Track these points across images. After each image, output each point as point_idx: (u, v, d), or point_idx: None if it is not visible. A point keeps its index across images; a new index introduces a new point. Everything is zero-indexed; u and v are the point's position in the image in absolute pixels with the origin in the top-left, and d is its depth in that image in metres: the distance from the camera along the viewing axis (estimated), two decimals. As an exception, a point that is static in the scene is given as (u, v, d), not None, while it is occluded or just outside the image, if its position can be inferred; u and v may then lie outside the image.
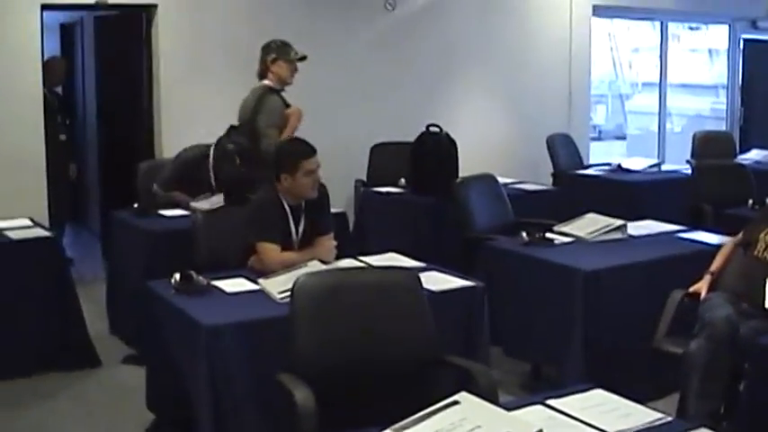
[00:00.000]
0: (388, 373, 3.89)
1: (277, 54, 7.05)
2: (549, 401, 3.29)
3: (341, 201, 8.17)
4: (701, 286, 5.10)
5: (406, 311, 3.99)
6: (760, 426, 4.17)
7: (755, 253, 5.05)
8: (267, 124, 6.83)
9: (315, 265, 4.93)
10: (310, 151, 5.25)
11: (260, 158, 6.39)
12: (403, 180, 8.13)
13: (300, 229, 5.31)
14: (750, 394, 4.25)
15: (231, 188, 6.09)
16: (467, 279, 5.01)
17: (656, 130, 13.41)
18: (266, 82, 7.03)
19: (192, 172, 6.72)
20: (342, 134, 9.06)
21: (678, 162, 10.52)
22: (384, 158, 8.87)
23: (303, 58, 7.13)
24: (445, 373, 3.94)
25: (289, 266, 4.90)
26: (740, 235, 5.36)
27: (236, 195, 5.87)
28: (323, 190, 5.40)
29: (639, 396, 3.42)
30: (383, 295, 4.01)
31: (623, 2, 11.92)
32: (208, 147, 6.73)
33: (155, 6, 8.58)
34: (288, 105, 7.00)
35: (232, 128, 6.81)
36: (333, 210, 5.74)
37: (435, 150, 7.79)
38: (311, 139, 5.37)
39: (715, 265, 5.23)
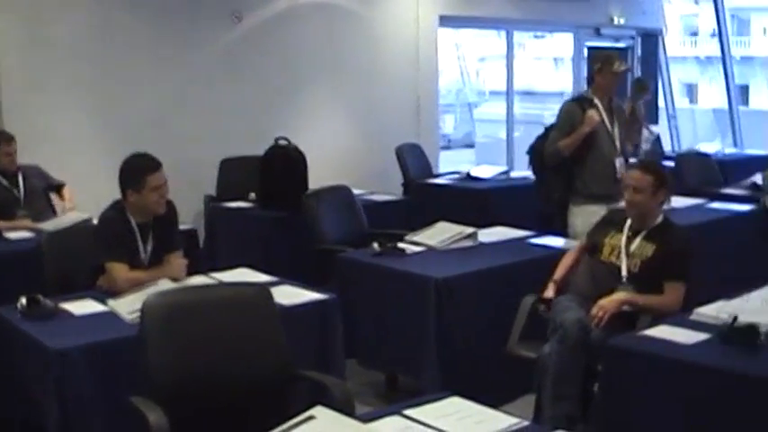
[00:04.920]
0: (242, 391, 3.84)
1: None
2: (406, 411, 3.29)
3: (190, 217, 8.06)
4: (547, 293, 5.19)
5: (257, 327, 3.95)
6: (615, 426, 4.23)
7: (602, 257, 5.15)
8: None
9: (165, 284, 4.83)
10: (155, 166, 5.13)
11: None
12: (253, 194, 8.05)
13: (149, 248, 5.19)
14: (603, 395, 4.30)
15: None
16: (319, 292, 4.97)
17: (505, 137, 13.58)
18: None
19: None
20: (190, 149, 8.92)
21: (526, 168, 10.65)
22: (233, 173, 8.76)
23: None
24: (301, 388, 3.92)
25: (138, 285, 4.80)
26: (584, 239, 5.47)
27: None
28: (171, 206, 5.30)
29: (497, 401, 3.44)
30: (234, 311, 3.96)
31: (469, 12, 12.04)
32: None
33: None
34: None
35: None
36: (183, 226, 5.66)
37: (284, 163, 7.73)
38: (157, 154, 5.26)
39: (558, 274, 5.32)
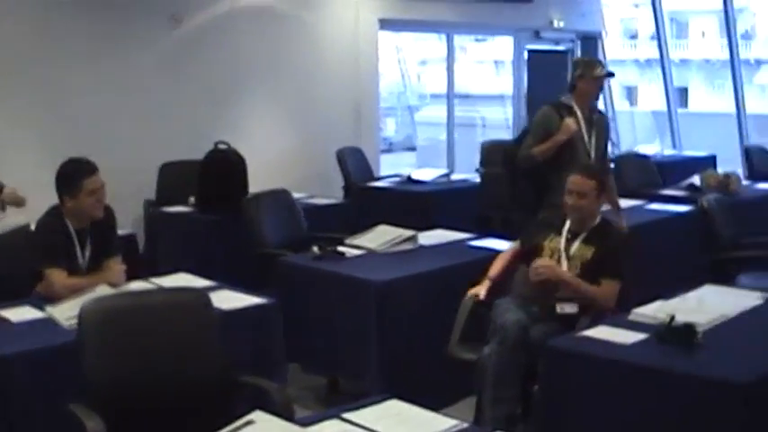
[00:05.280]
0: (181, 396, 3.83)
1: None
2: (345, 415, 3.30)
3: (130, 222, 7.98)
4: (479, 290, 5.21)
5: (195, 332, 3.94)
6: (554, 426, 4.26)
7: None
8: None
9: (104, 290, 4.79)
10: (91, 170, 5.08)
11: None
12: (192, 198, 8.00)
13: (87, 253, 5.15)
14: (543, 396, 4.33)
15: None
16: (259, 296, 4.95)
17: (445, 140, 13.62)
18: None
19: None
20: (128, 154, 8.83)
21: (468, 171, 10.71)
22: (173, 177, 8.68)
23: None
24: (240, 393, 3.90)
25: (77, 291, 4.75)
26: (518, 241, 5.50)
27: None
28: (109, 211, 5.26)
29: (439, 404, 3.44)
30: (172, 317, 3.95)
31: (409, 15, 12.05)
32: None
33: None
34: None
35: None
36: (122, 231, 5.62)
37: (223, 167, 7.68)
38: (96, 159, 5.22)
39: (493, 271, 5.34)
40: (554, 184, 6.17)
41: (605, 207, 6.00)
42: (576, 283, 4.96)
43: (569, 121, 6.39)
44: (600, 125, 6.68)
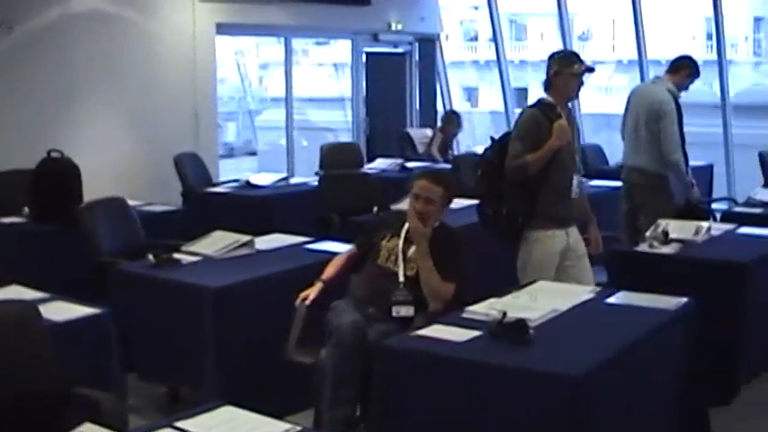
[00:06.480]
0: (12, 410, 3.75)
1: None
2: (178, 423, 3.28)
3: (-40, 235, 7.78)
4: (309, 292, 5.20)
5: (24, 345, 3.88)
6: (391, 426, 4.28)
7: (378, 261, 5.20)
8: None
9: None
10: None
11: None
12: (26, 209, 7.82)
13: None
14: (379, 396, 4.34)
15: None
16: (93, 306, 4.86)
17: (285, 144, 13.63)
18: None
19: None
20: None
21: (309, 174, 10.73)
22: (5, 187, 8.46)
23: None
24: (75, 406, 3.83)
25: None
26: (354, 244, 5.51)
27: None
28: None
29: (283, 411, 3.44)
30: (-1, 330, 3.85)
31: (247, 19, 12.02)
32: None
33: None
34: None
35: None
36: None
37: (57, 176, 7.53)
38: None
39: (326, 274, 5.34)
40: (545, 196, 5.72)
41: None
42: (429, 266, 5.00)
43: (562, 122, 5.71)
44: (573, 121, 6.10)
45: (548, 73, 5.85)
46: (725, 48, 13.40)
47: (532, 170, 5.62)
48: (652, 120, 7.47)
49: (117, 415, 3.61)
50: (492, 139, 6.02)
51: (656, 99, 7.50)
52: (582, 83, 5.91)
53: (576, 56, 5.93)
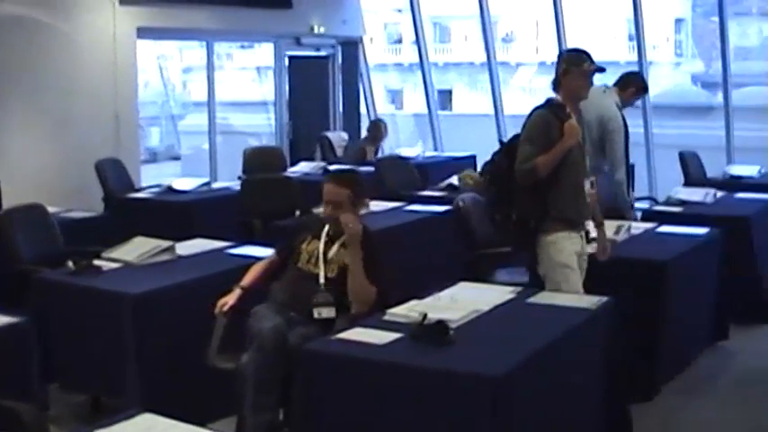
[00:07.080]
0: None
1: None
2: (96, 432, 3.23)
3: None
4: (227, 299, 5.17)
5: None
6: (313, 429, 4.29)
7: (299, 264, 5.18)
8: None
9: None
10: None
11: None
12: (-57, 218, 7.71)
13: None
14: (301, 400, 4.33)
15: None
16: (12, 315, 4.81)
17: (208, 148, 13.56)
18: None
19: None
20: None
21: (232, 179, 10.68)
22: None
23: None
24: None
25: None
26: (275, 251, 5.48)
27: None
28: None
29: (207, 418, 3.41)
30: None
31: (168, 23, 11.94)
32: None
33: None
34: None
35: None
36: None
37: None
38: None
39: (246, 280, 5.31)
40: (557, 199, 5.57)
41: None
42: (360, 269, 5.00)
43: (573, 122, 5.55)
44: (583, 126, 5.91)
45: (556, 72, 5.70)
46: (645, 49, 13.56)
47: (543, 172, 5.47)
48: (596, 130, 7.24)
49: (38, 426, 3.55)
50: (501, 142, 5.94)
51: (606, 114, 7.35)
52: (592, 83, 5.76)
53: (587, 54, 5.71)
